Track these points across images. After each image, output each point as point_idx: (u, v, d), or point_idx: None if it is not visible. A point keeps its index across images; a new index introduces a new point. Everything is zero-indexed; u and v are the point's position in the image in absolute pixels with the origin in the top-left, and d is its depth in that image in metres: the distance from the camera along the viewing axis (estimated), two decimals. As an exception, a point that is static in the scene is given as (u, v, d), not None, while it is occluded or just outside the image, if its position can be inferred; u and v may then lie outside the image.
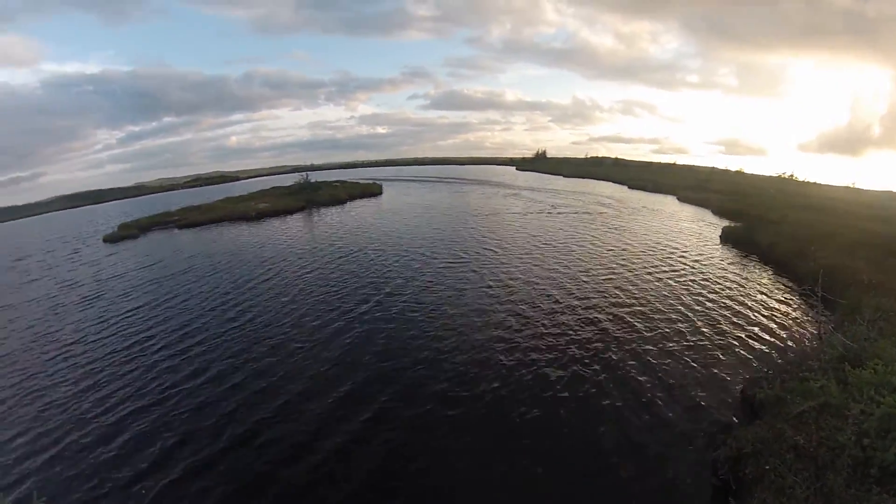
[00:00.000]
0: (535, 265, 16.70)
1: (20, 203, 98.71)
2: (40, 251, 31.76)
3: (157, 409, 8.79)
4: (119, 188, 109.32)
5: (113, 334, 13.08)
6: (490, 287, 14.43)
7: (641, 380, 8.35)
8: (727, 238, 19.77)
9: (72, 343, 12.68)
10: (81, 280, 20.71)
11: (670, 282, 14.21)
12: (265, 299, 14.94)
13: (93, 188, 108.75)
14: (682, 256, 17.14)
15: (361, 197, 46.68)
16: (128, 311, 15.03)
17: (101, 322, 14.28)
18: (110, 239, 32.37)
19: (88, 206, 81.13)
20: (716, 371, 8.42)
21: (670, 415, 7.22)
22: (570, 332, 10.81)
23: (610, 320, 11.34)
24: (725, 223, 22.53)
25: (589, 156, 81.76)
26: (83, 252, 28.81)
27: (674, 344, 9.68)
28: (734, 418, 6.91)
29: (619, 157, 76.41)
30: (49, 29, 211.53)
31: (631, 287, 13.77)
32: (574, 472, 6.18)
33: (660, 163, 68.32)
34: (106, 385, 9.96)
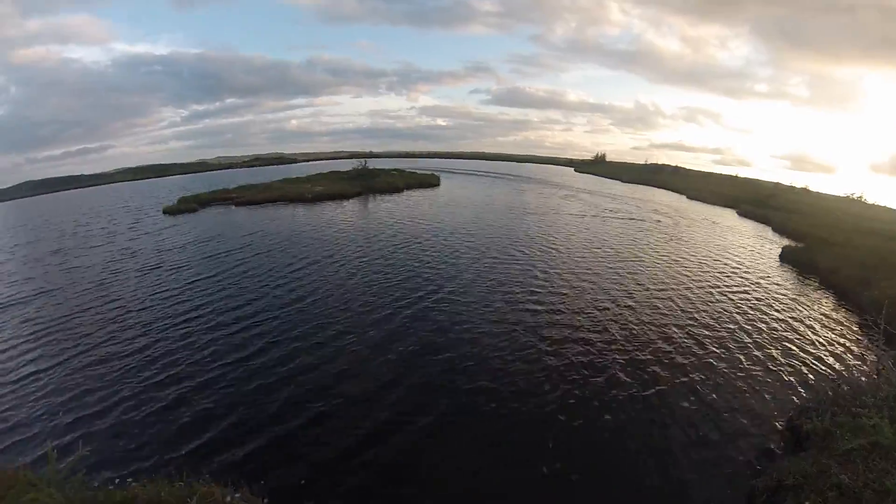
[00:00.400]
0: (589, 270, 16.22)
1: (88, 172, 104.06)
2: (104, 219, 32.62)
3: (205, 380, 8.78)
4: (181, 164, 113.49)
5: (169, 304, 13.09)
6: (543, 288, 13.95)
7: (687, 397, 8.22)
8: (786, 258, 18.95)
9: (128, 311, 12.73)
10: (140, 249, 21.07)
11: (724, 298, 13.54)
12: (318, 282, 14.72)
13: (156, 162, 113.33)
14: (738, 273, 16.38)
15: (419, 187, 46.45)
16: (184, 283, 15.05)
17: (158, 291, 14.36)
18: (170, 211, 33.26)
19: (151, 179, 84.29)
20: (764, 395, 8.22)
21: (713, 435, 7.08)
22: (620, 342, 10.43)
23: (660, 333, 10.90)
24: (786, 242, 21.81)
25: (648, 162, 79.49)
26: (144, 222, 29.65)
27: (724, 363, 9.48)
28: (778, 447, 6.74)
29: (680, 165, 74.10)
30: (121, 11, 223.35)
31: (683, 301, 13.16)
32: (609, 484, 6.15)
33: (721, 174, 66.17)
34: (158, 354, 9.95)
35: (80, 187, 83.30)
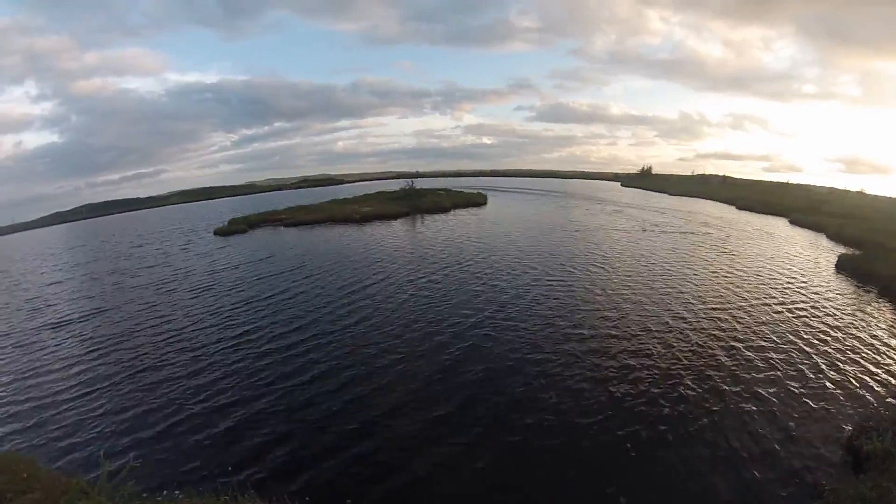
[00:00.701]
0: (644, 286, 15.80)
1: (143, 196, 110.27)
2: (158, 240, 34.37)
3: (255, 402, 8.95)
4: (230, 186, 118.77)
5: (221, 325, 13.51)
6: (599, 307, 13.70)
7: (748, 413, 7.96)
8: (843, 267, 17.83)
9: (181, 331, 13.22)
10: (193, 269, 22.04)
11: (780, 312, 12.92)
12: (369, 306, 14.76)
13: (207, 185, 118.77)
14: (793, 285, 15.56)
15: (465, 206, 46.41)
16: (235, 304, 15.54)
17: (210, 312, 14.86)
18: (221, 232, 34.63)
19: (202, 202, 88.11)
20: (824, 413, 7.86)
21: (772, 455, 6.81)
22: (681, 358, 10.21)
23: (719, 348, 10.63)
24: (842, 250, 20.72)
25: (695, 173, 78.98)
26: (196, 243, 31.12)
27: (783, 379, 9.19)
28: (837, 468, 6.45)
29: (727, 174, 73.15)
30: (173, 43, 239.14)
31: (740, 315, 12.68)
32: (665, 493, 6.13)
33: (770, 182, 63.32)
34: (210, 374, 10.28)
35: (136, 209, 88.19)
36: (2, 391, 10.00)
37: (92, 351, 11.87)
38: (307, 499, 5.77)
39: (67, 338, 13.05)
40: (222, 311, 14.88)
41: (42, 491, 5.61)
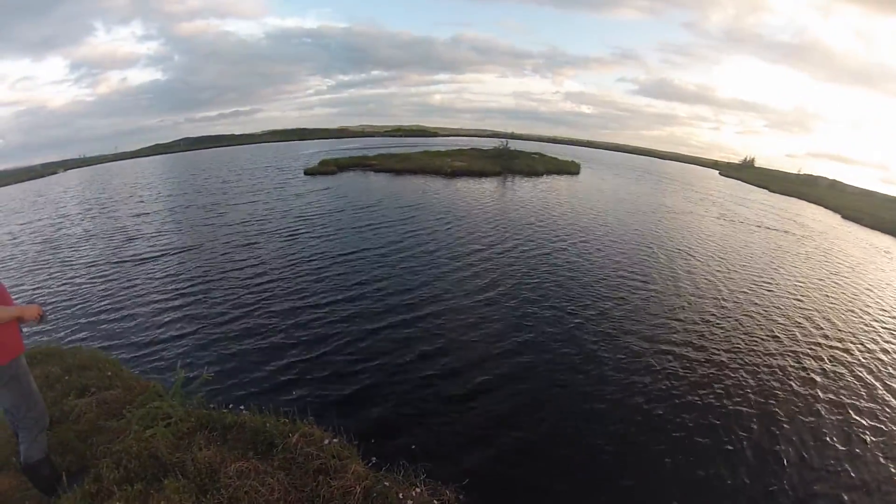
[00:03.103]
0: (730, 284, 14.99)
1: (238, 132, 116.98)
2: (249, 175, 36.99)
3: (331, 340, 9.36)
4: (323, 129, 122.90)
5: (305, 262, 14.26)
6: (683, 299, 13.01)
7: (811, 435, 7.57)
8: None
9: (266, 265, 14.19)
10: (284, 207, 23.35)
11: (859, 342, 11.42)
12: (451, 262, 14.94)
13: (301, 126, 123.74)
14: (883, 318, 13.52)
15: (558, 173, 46.44)
16: (321, 245, 16.28)
17: (297, 250, 15.80)
18: (310, 172, 36.78)
19: (294, 142, 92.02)
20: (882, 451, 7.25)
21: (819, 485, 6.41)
22: (754, 369, 9.56)
23: (784, 371, 9.64)
24: None
25: (802, 172, 76.40)
26: (288, 181, 32.94)
27: (853, 417, 8.24)
28: None
29: (837, 179, 69.14)
30: None
31: (814, 339, 11.37)
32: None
33: (885, 195, 60.72)
34: (290, 308, 10.82)
35: (230, 145, 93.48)
36: (94, 303, 11.17)
37: (186, 281, 12.78)
38: (372, 441, 5.97)
39: (162, 267, 14.17)
40: (305, 248, 15.67)
41: (122, 389, 6.21)
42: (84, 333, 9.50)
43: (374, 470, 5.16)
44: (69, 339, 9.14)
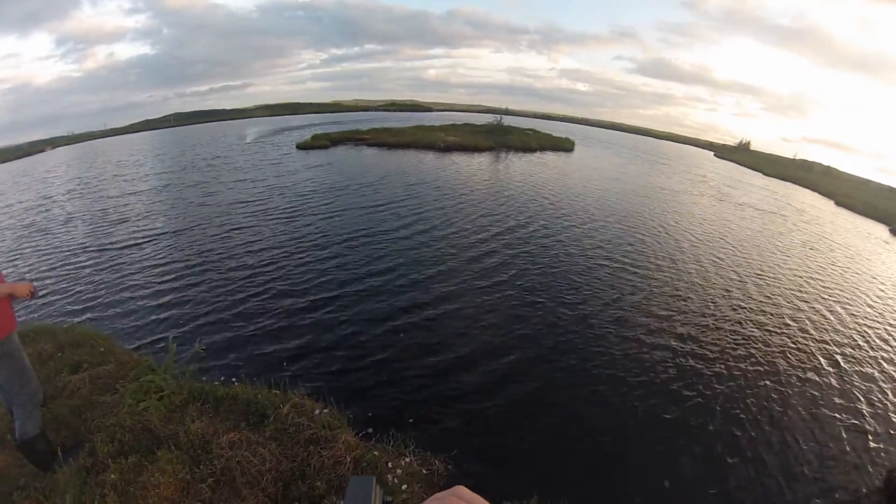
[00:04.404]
0: (717, 266, 15.03)
1: (229, 107, 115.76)
2: (240, 150, 36.75)
3: (321, 313, 9.46)
4: (316, 103, 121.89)
5: (295, 232, 14.35)
6: (671, 283, 12.92)
7: (793, 422, 7.58)
8: None
9: (257, 237, 14.28)
10: (275, 180, 23.21)
11: (842, 329, 11.53)
12: (441, 231, 15.20)
13: (293, 101, 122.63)
14: (868, 304, 13.77)
15: (552, 150, 46.80)
16: (313, 217, 16.37)
17: (286, 223, 15.83)
18: (303, 146, 36.70)
19: (286, 116, 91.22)
20: (868, 442, 7.32)
21: (805, 469, 6.53)
22: (735, 349, 9.65)
23: (766, 355, 9.70)
24: None
25: (797, 157, 77.02)
26: (278, 155, 32.83)
27: (846, 396, 8.52)
28: (870, 497, 6.16)
29: (832, 166, 70.76)
30: None
31: (799, 324, 11.42)
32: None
33: (880, 183, 62.41)
34: (282, 282, 10.90)
35: (222, 120, 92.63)
36: (85, 282, 11.20)
37: (170, 255, 12.99)
38: (370, 414, 6.22)
39: (144, 242, 14.26)
40: (296, 224, 15.68)
41: (115, 364, 6.30)
42: (76, 311, 9.55)
43: (365, 440, 5.29)
44: (61, 318, 9.17)
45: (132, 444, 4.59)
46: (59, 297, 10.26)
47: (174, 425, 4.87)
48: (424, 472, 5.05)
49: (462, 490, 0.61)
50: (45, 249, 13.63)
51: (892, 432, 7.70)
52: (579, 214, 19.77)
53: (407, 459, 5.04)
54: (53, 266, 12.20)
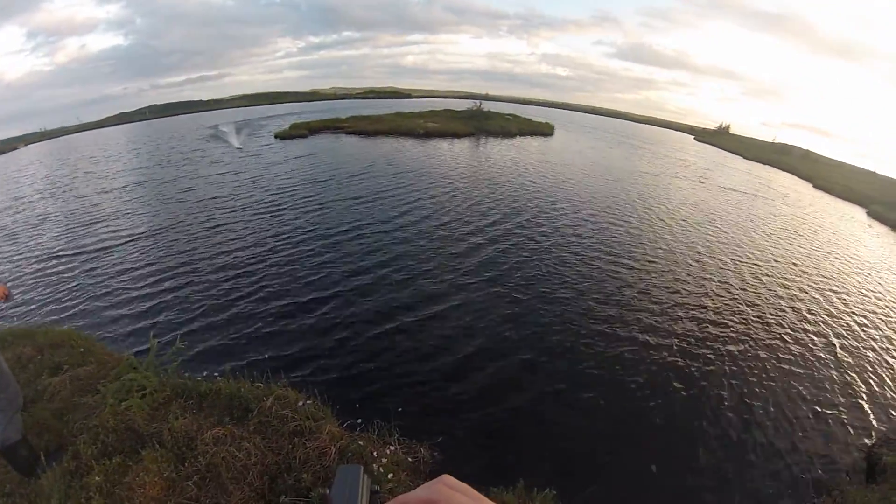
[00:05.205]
0: (691, 245, 15.51)
1: (206, 98, 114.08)
2: (217, 141, 36.23)
3: (302, 305, 9.46)
4: (294, 92, 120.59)
5: (273, 223, 14.27)
6: (642, 262, 13.21)
7: (772, 400, 7.76)
8: None
9: (233, 225, 14.23)
10: (255, 173, 22.93)
11: (824, 308, 11.91)
12: (417, 218, 15.38)
13: (271, 90, 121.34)
14: (846, 283, 14.24)
15: (532, 135, 47.33)
16: (292, 208, 16.31)
17: (264, 212, 15.73)
18: (281, 136, 36.47)
19: (264, 106, 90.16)
20: (854, 415, 7.65)
21: (786, 444, 6.74)
22: (712, 328, 9.89)
23: (762, 328, 10.19)
24: None
25: (776, 141, 78.40)
26: (257, 146, 32.44)
27: (822, 371, 8.83)
28: (851, 471, 6.37)
29: (810, 150, 71.37)
30: None
31: (780, 304, 11.75)
32: (682, 478, 5.91)
33: (857, 167, 65.02)
34: (262, 274, 10.85)
35: (199, 111, 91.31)
36: (61, 283, 11.11)
37: (147, 252, 12.88)
38: (356, 405, 6.28)
39: (122, 239, 14.13)
40: (275, 212, 15.70)
41: (96, 364, 6.25)
42: (54, 311, 9.45)
43: (349, 430, 5.33)
44: (40, 319, 9.01)
45: (116, 445, 4.57)
46: (36, 298, 10.11)
47: (158, 423, 4.85)
48: (410, 459, 5.11)
49: (448, 478, 0.62)
50: (19, 252, 13.38)
51: (872, 410, 7.89)
52: (561, 202, 19.80)
53: (392, 448, 5.09)
54: (28, 268, 11.98)
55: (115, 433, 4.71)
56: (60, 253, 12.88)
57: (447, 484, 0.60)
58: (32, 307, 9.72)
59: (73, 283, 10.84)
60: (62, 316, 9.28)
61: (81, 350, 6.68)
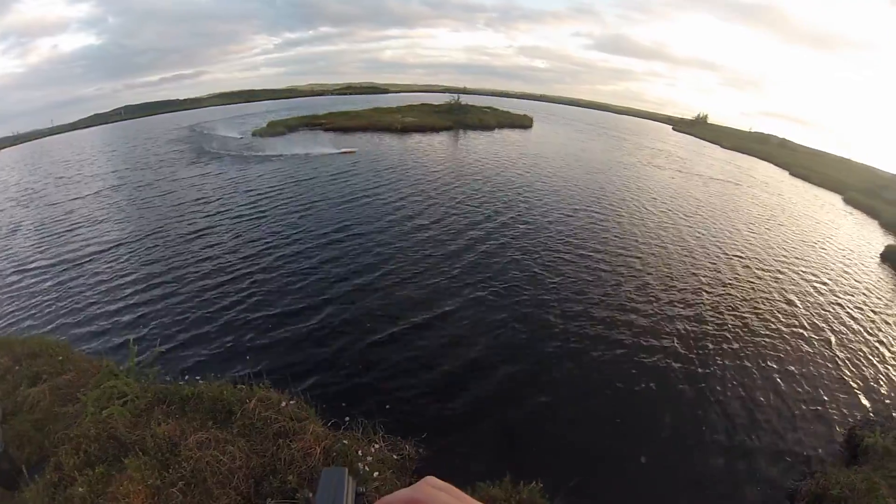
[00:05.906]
0: (673, 234, 15.93)
1: (182, 97, 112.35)
2: (193, 142, 35.28)
3: (281, 308, 9.40)
4: (271, 90, 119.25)
5: (253, 228, 14.31)
6: (626, 248, 13.76)
7: (757, 385, 7.99)
8: (888, 258, 16.96)
9: (210, 227, 14.22)
10: (231, 175, 22.76)
11: (806, 292, 12.38)
12: (394, 209, 15.56)
13: (248, 88, 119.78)
14: (827, 268, 14.83)
15: (511, 127, 47.49)
16: (271, 211, 16.31)
17: (244, 216, 15.74)
18: (259, 134, 35.96)
19: (241, 104, 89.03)
20: (834, 397, 7.90)
21: (771, 429, 6.94)
22: (695, 312, 10.24)
23: (739, 314, 10.49)
24: (892, 241, 19.78)
25: (753, 130, 79.00)
26: (236, 146, 31.73)
27: (800, 356, 9.09)
28: (833, 454, 6.58)
29: (787, 138, 72.10)
30: None
31: (763, 289, 12.13)
32: (668, 466, 6.04)
33: (833, 155, 65.05)
34: (240, 275, 10.85)
35: (175, 111, 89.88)
36: (41, 287, 10.89)
37: (123, 249, 12.84)
38: (343, 403, 6.30)
39: (101, 237, 13.93)
40: (257, 216, 15.58)
41: (75, 373, 6.16)
42: (31, 318, 9.29)
43: (333, 429, 5.31)
44: (16, 329, 8.84)
45: (98, 454, 4.53)
46: (11, 311, 9.84)
47: (140, 430, 4.81)
48: (396, 457, 5.11)
49: (433, 479, 0.63)
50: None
51: (855, 392, 8.10)
52: (546, 196, 19.89)
53: (377, 446, 5.09)
54: (2, 281, 11.68)
55: (97, 442, 4.66)
56: (36, 261, 12.60)
57: (431, 484, 0.61)
58: (12, 320, 9.43)
59: (50, 290, 10.68)
60: (38, 319, 9.22)
61: (60, 358, 6.58)
